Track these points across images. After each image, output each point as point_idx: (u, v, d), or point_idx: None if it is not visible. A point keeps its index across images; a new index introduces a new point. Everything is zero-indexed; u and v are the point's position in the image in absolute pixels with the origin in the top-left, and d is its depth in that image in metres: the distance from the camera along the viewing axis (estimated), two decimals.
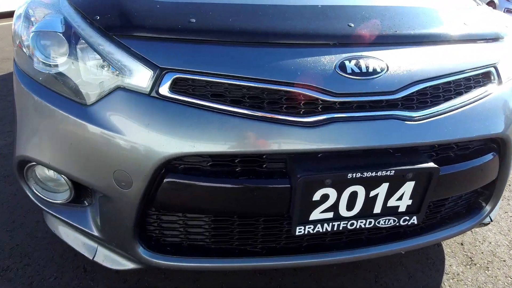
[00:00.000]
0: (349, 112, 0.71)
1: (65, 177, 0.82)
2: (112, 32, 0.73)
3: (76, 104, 0.74)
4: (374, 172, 0.69)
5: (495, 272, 1.16)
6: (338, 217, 0.74)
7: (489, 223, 1.09)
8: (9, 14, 6.88)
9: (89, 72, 0.75)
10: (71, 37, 0.77)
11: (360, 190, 0.71)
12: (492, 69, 0.89)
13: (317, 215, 0.73)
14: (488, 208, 1.00)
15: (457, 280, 1.11)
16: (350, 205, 0.73)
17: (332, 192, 0.70)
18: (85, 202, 0.87)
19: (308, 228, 0.73)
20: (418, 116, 0.74)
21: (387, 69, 0.73)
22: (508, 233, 1.35)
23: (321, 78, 0.70)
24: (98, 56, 0.74)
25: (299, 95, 0.70)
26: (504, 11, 7.88)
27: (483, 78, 0.88)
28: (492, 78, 0.89)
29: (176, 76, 0.69)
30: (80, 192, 0.86)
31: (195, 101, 0.69)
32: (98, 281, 1.03)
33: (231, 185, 0.71)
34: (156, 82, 0.69)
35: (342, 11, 0.82)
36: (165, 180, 0.70)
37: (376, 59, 0.74)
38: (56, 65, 0.78)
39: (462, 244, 1.28)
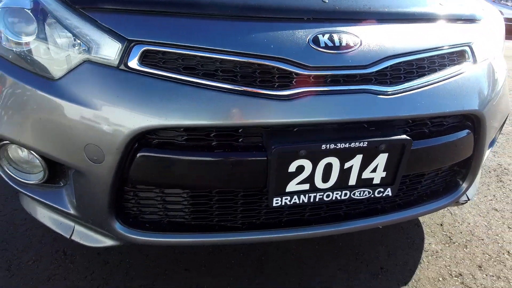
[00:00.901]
0: (323, 86, 0.71)
1: (38, 156, 0.81)
2: (78, 5, 0.72)
3: (44, 79, 0.73)
4: (347, 144, 0.69)
5: (473, 249, 1.19)
6: (314, 189, 0.75)
7: (466, 202, 1.11)
8: None
9: (58, 48, 0.73)
10: (39, 13, 0.76)
11: (335, 161, 0.72)
12: (467, 49, 0.90)
13: (293, 187, 0.73)
14: (464, 186, 1.02)
15: (436, 257, 1.13)
16: (325, 177, 0.74)
17: (307, 164, 0.70)
18: (60, 182, 0.86)
19: (285, 199, 0.74)
20: (391, 91, 0.75)
21: (360, 44, 0.74)
22: (486, 215, 1.39)
23: (295, 52, 0.70)
24: (68, 33, 0.73)
25: (272, 68, 0.70)
26: None
27: (457, 56, 0.89)
28: (466, 57, 0.90)
29: (145, 48, 0.68)
30: (55, 172, 0.85)
31: (166, 74, 0.68)
32: (78, 263, 1.03)
33: (207, 158, 0.71)
34: (125, 55, 0.68)
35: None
36: (139, 154, 0.69)
37: (349, 34, 0.74)
38: (25, 43, 0.76)
39: (441, 224, 1.31)
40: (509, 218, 1.37)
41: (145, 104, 0.67)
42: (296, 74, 0.70)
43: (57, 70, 0.72)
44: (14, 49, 0.77)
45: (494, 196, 1.52)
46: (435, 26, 0.88)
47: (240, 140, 0.72)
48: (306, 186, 0.74)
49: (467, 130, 0.89)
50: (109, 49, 0.69)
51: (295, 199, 0.75)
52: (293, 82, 0.70)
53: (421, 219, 1.32)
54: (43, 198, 0.85)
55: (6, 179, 0.87)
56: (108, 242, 0.84)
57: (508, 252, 1.18)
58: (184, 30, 0.69)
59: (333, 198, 0.77)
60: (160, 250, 1.09)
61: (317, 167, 0.72)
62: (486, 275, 1.08)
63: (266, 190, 0.74)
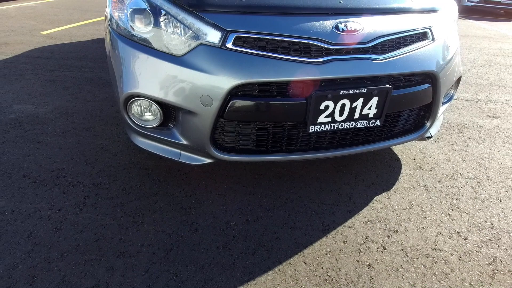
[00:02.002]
0: (341, 55, 1.19)
1: (158, 107, 1.26)
2: (192, 8, 1.17)
3: (171, 56, 1.18)
4: (355, 90, 1.18)
5: (435, 172, 1.71)
6: (333, 121, 1.23)
7: (430, 138, 1.63)
8: None
9: (172, 37, 1.18)
10: (156, 12, 1.20)
11: (347, 102, 1.20)
12: (428, 30, 1.39)
13: (321, 119, 1.22)
14: (428, 124, 1.53)
15: (409, 177, 1.66)
16: (340, 113, 1.22)
17: (330, 104, 1.19)
18: (170, 125, 1.33)
19: (316, 127, 1.23)
20: (380, 58, 1.23)
21: (362, 29, 1.21)
22: (447, 153, 1.91)
23: (324, 35, 1.17)
24: (180, 24, 1.17)
25: (311, 45, 1.16)
26: None
27: (422, 35, 1.37)
28: (428, 36, 1.39)
29: (236, 35, 1.14)
30: (166, 118, 1.31)
31: (248, 50, 1.14)
32: (172, 186, 1.50)
33: (269, 102, 1.18)
34: (224, 40, 1.14)
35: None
36: (231, 101, 1.16)
37: (356, 23, 1.21)
38: (147, 32, 1.21)
39: (414, 159, 1.83)
40: (464, 155, 1.90)
41: (236, 69, 1.13)
42: (325, 48, 1.17)
43: (179, 50, 1.17)
44: (142, 35, 1.21)
45: (455, 142, 2.06)
46: (408, 16, 1.36)
47: (290, 90, 1.19)
48: (329, 119, 1.23)
49: (427, 84, 1.38)
50: (214, 36, 1.14)
51: (322, 127, 1.24)
52: (323, 53, 1.17)
53: (399, 155, 1.84)
54: (162, 135, 1.31)
55: (133, 125, 1.33)
56: (206, 160, 1.32)
57: (460, 174, 1.71)
58: (257, 23, 1.15)
59: (344, 127, 1.26)
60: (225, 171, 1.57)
61: (336, 106, 1.20)
62: (443, 185, 1.61)
63: (305, 121, 1.22)
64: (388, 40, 1.26)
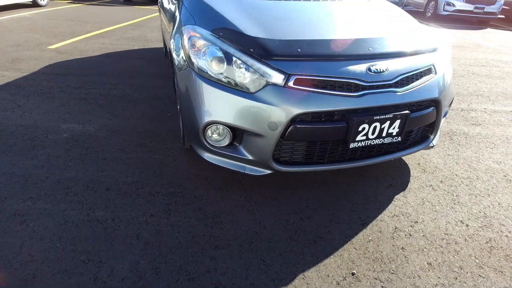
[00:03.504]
0: (373, 90, 1.56)
1: (229, 130, 1.59)
2: (260, 57, 1.51)
3: (244, 92, 1.51)
4: (384, 115, 1.55)
5: (436, 174, 2.12)
6: (367, 138, 1.61)
7: (432, 147, 2.04)
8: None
9: (244, 77, 1.52)
10: (230, 58, 1.54)
11: (378, 124, 1.58)
12: (432, 66, 1.79)
13: (359, 138, 1.58)
14: (432, 137, 1.94)
15: (417, 178, 2.06)
16: (373, 132, 1.60)
17: (366, 126, 1.56)
18: (235, 143, 1.66)
19: (355, 144, 1.60)
20: (401, 91, 1.61)
21: (387, 70, 1.59)
22: (443, 158, 2.34)
23: (361, 75, 1.54)
24: (247, 68, 1.51)
25: (351, 83, 1.53)
26: (444, 5, 9.27)
27: (428, 71, 1.77)
28: (432, 70, 1.79)
29: (296, 77, 1.49)
30: (234, 138, 1.64)
31: (304, 88, 1.49)
32: (232, 190, 1.82)
33: (320, 125, 1.53)
34: (287, 80, 1.49)
35: (365, 42, 1.66)
36: (291, 125, 1.51)
37: (382, 65, 1.59)
38: (222, 73, 1.54)
39: (418, 164, 2.24)
40: (456, 159, 2.33)
41: (296, 102, 1.48)
42: (361, 85, 1.54)
43: (251, 88, 1.50)
44: (218, 77, 1.54)
45: (447, 148, 2.49)
46: (417, 56, 1.75)
47: (335, 116, 1.55)
48: (364, 137, 1.60)
49: (432, 107, 1.78)
50: (278, 78, 1.49)
51: (359, 144, 1.61)
52: (360, 89, 1.54)
53: (407, 161, 2.24)
54: (230, 152, 1.64)
55: (208, 145, 1.65)
56: (266, 171, 1.66)
57: (456, 175, 2.13)
58: (311, 67, 1.51)
59: (374, 143, 1.64)
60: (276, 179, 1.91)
61: (370, 127, 1.57)
62: (444, 185, 2.02)
63: (346, 140, 1.59)
64: (405, 76, 1.64)
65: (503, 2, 9.20)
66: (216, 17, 1.80)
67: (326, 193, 1.86)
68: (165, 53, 4.53)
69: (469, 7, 8.99)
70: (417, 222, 1.67)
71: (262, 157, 1.61)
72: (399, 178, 2.04)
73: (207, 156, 1.74)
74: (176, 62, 1.82)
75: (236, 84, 1.53)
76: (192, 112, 1.66)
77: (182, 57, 1.75)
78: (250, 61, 1.52)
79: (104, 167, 1.99)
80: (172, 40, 2.01)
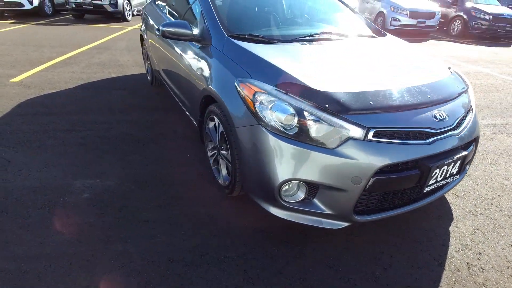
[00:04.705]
0: (440, 135, 1.63)
1: (305, 184, 1.55)
2: (338, 112, 1.49)
3: (324, 148, 1.48)
4: (451, 159, 1.64)
5: (468, 198, 2.28)
6: (436, 181, 1.67)
7: (466, 174, 2.19)
8: None
9: (320, 132, 1.49)
10: (302, 114, 1.50)
11: (445, 168, 1.65)
12: (470, 106, 1.94)
13: (431, 182, 1.65)
14: (468, 167, 2.09)
15: (456, 206, 2.19)
16: (441, 175, 1.67)
17: (438, 171, 1.62)
18: (309, 198, 1.61)
19: (427, 188, 1.65)
20: (458, 133, 1.71)
21: (448, 115, 1.69)
22: (465, 180, 2.52)
23: (430, 123, 1.60)
24: (326, 124, 1.49)
25: (424, 132, 1.58)
26: (391, 20, 10.19)
27: (469, 110, 1.91)
28: (470, 109, 1.94)
29: (375, 130, 1.50)
30: (309, 192, 1.59)
31: (384, 140, 1.51)
32: (287, 248, 1.76)
33: (399, 175, 1.55)
34: (366, 134, 1.49)
35: (423, 89, 1.74)
36: (374, 178, 1.51)
37: (443, 112, 1.68)
38: (296, 129, 1.50)
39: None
40: (474, 179, 2.53)
41: (378, 154, 1.49)
42: (431, 133, 1.60)
43: (330, 143, 1.48)
44: (290, 132, 1.49)
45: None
46: (462, 97, 1.89)
47: (410, 164, 1.59)
48: (434, 181, 1.67)
49: (473, 144, 1.92)
50: (357, 132, 1.48)
51: (430, 187, 1.67)
52: (430, 136, 1.60)
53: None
54: (305, 208, 1.59)
55: (283, 202, 1.58)
56: (344, 224, 1.63)
57: (483, 196, 2.31)
58: (387, 119, 1.53)
59: (440, 184, 1.71)
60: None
61: (440, 171, 1.64)
62: (480, 208, 2.17)
63: (421, 185, 1.64)
64: (459, 119, 1.76)
65: (440, 16, 10.38)
66: (269, 68, 1.75)
67: (388, 233, 1.89)
68: (152, 81, 4.27)
69: (413, 21, 9.99)
70: (480, 253, 1.77)
71: (342, 211, 1.58)
72: (441, 207, 2.15)
73: (278, 212, 1.66)
74: (233, 116, 1.72)
75: (311, 140, 1.50)
76: (264, 169, 1.58)
77: (243, 112, 1.66)
78: (326, 117, 1.49)
79: (152, 232, 1.79)
80: (215, 88, 1.90)
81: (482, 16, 10.12)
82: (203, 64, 2.14)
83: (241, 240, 1.77)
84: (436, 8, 10.30)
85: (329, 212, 1.59)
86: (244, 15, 2.53)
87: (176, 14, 3.02)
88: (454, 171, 1.74)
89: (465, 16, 10.47)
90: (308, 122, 1.50)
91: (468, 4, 10.58)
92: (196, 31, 2.27)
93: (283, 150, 1.52)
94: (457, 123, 1.73)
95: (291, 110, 1.53)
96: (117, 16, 9.83)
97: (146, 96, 4.03)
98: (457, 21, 10.74)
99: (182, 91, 2.70)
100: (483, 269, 1.67)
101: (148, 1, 4.56)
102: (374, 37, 2.58)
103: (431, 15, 10.13)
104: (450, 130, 1.68)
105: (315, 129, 1.50)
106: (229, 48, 1.97)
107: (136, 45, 6.64)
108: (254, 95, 1.61)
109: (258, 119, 1.58)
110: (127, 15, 9.86)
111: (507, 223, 2.04)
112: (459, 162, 1.71)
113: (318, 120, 1.50)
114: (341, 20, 2.79)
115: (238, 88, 1.71)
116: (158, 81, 4.21)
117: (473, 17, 10.24)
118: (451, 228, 1.96)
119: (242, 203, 2.07)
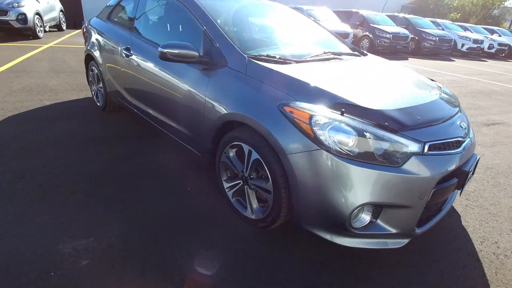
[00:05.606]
0: (465, 143, 1.79)
1: (372, 206, 1.51)
2: (396, 129, 1.51)
3: (391, 167, 1.48)
4: (474, 162, 1.81)
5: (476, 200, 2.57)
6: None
7: None
8: None
9: (383, 151, 1.49)
10: (362, 134, 1.49)
11: (471, 172, 1.82)
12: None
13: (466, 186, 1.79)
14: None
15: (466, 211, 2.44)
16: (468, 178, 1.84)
17: (470, 175, 1.78)
18: (373, 220, 1.57)
19: (461, 191, 1.80)
20: (470, 139, 1.91)
21: (465, 123, 1.87)
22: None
23: (460, 132, 1.76)
24: (387, 142, 1.49)
25: (459, 141, 1.72)
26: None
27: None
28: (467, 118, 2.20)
29: (429, 144, 1.56)
30: (374, 215, 1.56)
31: (436, 152, 1.58)
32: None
33: (446, 185, 1.64)
34: (423, 148, 1.54)
35: (444, 103, 1.92)
36: (433, 190, 1.56)
37: (461, 120, 1.86)
38: (358, 151, 1.47)
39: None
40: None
41: (435, 167, 1.55)
42: (462, 141, 1.75)
43: (396, 162, 1.48)
44: (354, 154, 1.46)
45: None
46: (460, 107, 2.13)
47: (454, 172, 1.70)
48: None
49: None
50: (416, 147, 1.52)
51: (463, 191, 1.82)
52: (461, 144, 1.75)
53: None
54: (368, 231, 1.55)
55: (352, 229, 1.50)
56: (406, 241, 1.63)
57: (467, 190, 2.63)
58: (435, 132, 1.62)
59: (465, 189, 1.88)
60: None
61: (467, 176, 1.80)
62: (472, 201, 2.46)
63: (459, 189, 1.76)
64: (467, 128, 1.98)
65: (352, 35, 11.82)
66: (309, 89, 1.68)
67: (421, 239, 1.97)
68: (105, 106, 3.69)
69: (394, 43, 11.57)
70: (496, 242, 2.01)
71: (407, 227, 1.59)
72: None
73: (345, 241, 1.58)
74: (281, 142, 1.58)
75: (376, 160, 1.48)
76: (330, 197, 1.49)
77: (296, 136, 1.54)
78: (388, 135, 1.50)
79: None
80: (246, 113, 1.73)
81: (384, 35, 11.94)
82: (215, 88, 1.95)
83: (301, 278, 1.62)
84: (349, 29, 11.70)
85: (394, 231, 1.58)
86: (247, 35, 2.43)
87: (154, 32, 2.71)
88: (473, 176, 1.94)
89: (371, 36, 12.18)
90: (371, 142, 1.48)
91: (372, 25, 12.34)
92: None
93: (351, 174, 1.46)
94: (467, 131, 1.94)
95: (352, 131, 1.49)
96: (26, 33, 8.37)
97: (100, 124, 3.47)
98: (365, 39, 12.41)
99: (173, 118, 2.40)
100: (506, 256, 1.88)
101: (93, 16, 4.00)
102: (365, 55, 2.76)
103: (346, 35, 11.46)
104: (467, 135, 1.87)
105: (379, 149, 1.48)
106: (254, 69, 1.84)
107: (65, 66, 5.75)
108: (310, 118, 1.52)
109: (318, 143, 1.49)
110: (38, 32, 8.48)
111: (497, 210, 2.35)
112: (475, 163, 1.91)
113: (380, 139, 1.49)
114: (330, 41, 2.90)
115: (285, 112, 1.59)
116: (113, 106, 3.70)
117: (378, 36, 12.00)
118: (463, 223, 2.17)
119: (281, 236, 1.91)
